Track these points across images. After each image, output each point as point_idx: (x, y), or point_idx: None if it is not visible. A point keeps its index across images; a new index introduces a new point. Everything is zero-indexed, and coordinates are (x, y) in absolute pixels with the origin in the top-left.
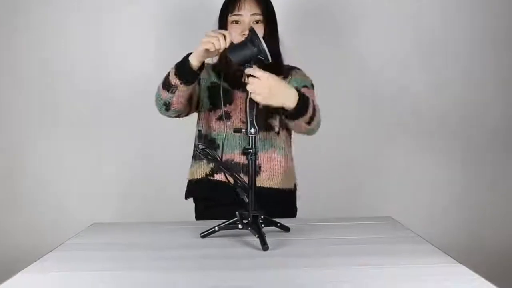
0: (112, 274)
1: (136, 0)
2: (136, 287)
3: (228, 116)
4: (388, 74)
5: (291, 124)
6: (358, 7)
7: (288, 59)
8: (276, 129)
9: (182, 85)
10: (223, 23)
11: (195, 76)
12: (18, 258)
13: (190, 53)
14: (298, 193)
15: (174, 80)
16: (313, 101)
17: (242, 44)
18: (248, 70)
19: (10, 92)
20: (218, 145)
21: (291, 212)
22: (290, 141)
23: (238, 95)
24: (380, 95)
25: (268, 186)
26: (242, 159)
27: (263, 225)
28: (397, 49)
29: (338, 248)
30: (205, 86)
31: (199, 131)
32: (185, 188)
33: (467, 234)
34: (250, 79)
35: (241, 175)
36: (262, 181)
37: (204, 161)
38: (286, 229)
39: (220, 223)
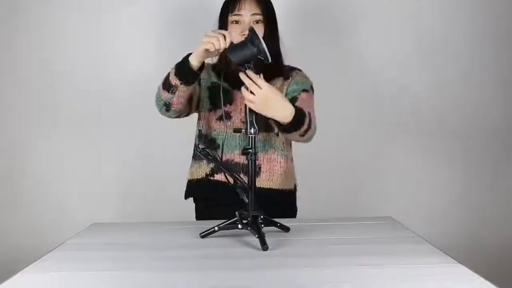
0: (112, 274)
1: (136, 0)
2: (136, 287)
3: (228, 116)
4: (388, 74)
5: (285, 134)
6: (358, 7)
7: (288, 59)
8: (276, 130)
9: (182, 86)
10: (223, 23)
11: (195, 76)
12: (18, 258)
13: (190, 53)
14: (298, 193)
15: (174, 81)
16: (309, 114)
17: (242, 44)
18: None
19: (10, 92)
20: (218, 145)
21: (291, 212)
22: (290, 142)
23: (238, 95)
24: (380, 95)
25: (268, 187)
26: (242, 159)
27: (262, 225)
28: (397, 49)
29: (338, 248)
30: (205, 86)
31: (199, 131)
32: (185, 188)
33: (467, 234)
34: (253, 87)
35: (241, 175)
36: (262, 182)
37: (204, 161)
38: (286, 229)
39: (220, 223)
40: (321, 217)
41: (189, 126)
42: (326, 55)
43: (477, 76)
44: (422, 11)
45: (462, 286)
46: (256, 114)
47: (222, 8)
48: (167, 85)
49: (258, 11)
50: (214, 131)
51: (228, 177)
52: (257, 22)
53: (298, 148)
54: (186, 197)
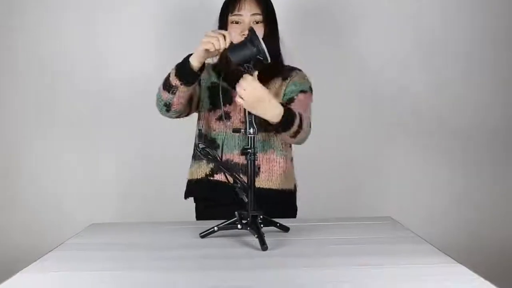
0: (112, 274)
1: (136, 0)
2: (136, 287)
3: (227, 116)
4: (388, 74)
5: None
6: (358, 7)
7: (288, 59)
8: None
9: (182, 86)
10: (223, 23)
11: (195, 77)
12: (17, 258)
13: (191, 54)
14: (298, 193)
15: (174, 81)
16: (300, 115)
17: (241, 44)
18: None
19: (7, 92)
20: (218, 145)
21: (291, 212)
22: None
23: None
24: (380, 95)
25: (268, 187)
26: (241, 159)
27: (262, 225)
28: (397, 49)
29: (338, 248)
30: (205, 86)
31: (199, 130)
32: (185, 188)
33: (467, 234)
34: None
35: (241, 175)
36: (261, 182)
37: (204, 161)
38: (285, 229)
39: (219, 223)
40: (321, 217)
41: (189, 126)
42: (326, 55)
43: (477, 76)
44: (422, 11)
45: (462, 286)
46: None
47: (222, 8)
48: (167, 85)
49: (258, 11)
50: (214, 131)
51: (228, 176)
52: (257, 22)
53: (298, 148)
54: (186, 197)
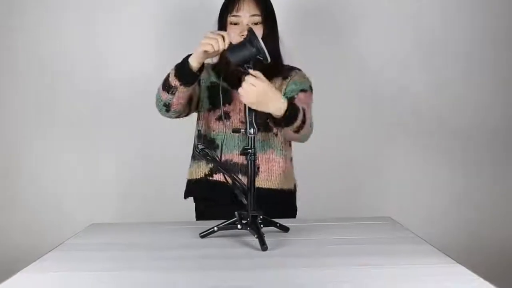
0: (111, 274)
1: (136, 0)
2: (136, 287)
3: (227, 116)
4: (388, 74)
5: (279, 130)
6: (358, 7)
7: (288, 59)
8: (275, 130)
9: (182, 87)
10: (222, 24)
11: (195, 77)
12: (17, 258)
13: (190, 54)
14: (297, 193)
15: (174, 82)
16: (304, 111)
17: (240, 45)
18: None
19: (7, 92)
20: (218, 145)
21: (291, 212)
22: (290, 142)
23: (238, 95)
24: (380, 95)
25: (267, 187)
26: (241, 160)
27: (262, 225)
28: (397, 49)
29: (338, 248)
30: (205, 86)
31: (199, 131)
32: (184, 188)
33: (467, 234)
34: (244, 83)
35: (240, 175)
36: (261, 182)
37: (203, 161)
38: (285, 229)
39: (219, 223)
40: (321, 217)
41: (189, 126)
42: (326, 55)
43: (477, 76)
44: (422, 11)
45: (462, 286)
46: (256, 114)
47: (221, 8)
48: (167, 86)
49: (257, 12)
50: (213, 131)
51: (227, 177)
52: (256, 23)
53: (297, 148)
54: (186, 196)
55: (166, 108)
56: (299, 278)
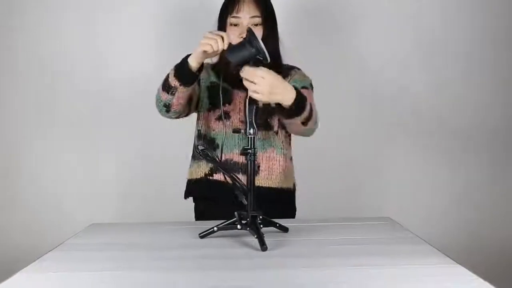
0: (111, 274)
1: (136, 0)
2: (136, 287)
3: (227, 116)
4: (388, 74)
5: (287, 122)
6: (358, 7)
7: (288, 60)
8: (275, 128)
9: (181, 87)
10: (222, 25)
11: (194, 77)
12: (17, 258)
13: (190, 54)
14: (297, 193)
15: (173, 82)
16: (310, 103)
17: (240, 45)
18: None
19: (7, 92)
20: (218, 145)
21: (290, 212)
22: (289, 141)
23: (238, 94)
24: (380, 95)
25: (267, 186)
26: (241, 159)
27: (261, 226)
28: (397, 49)
29: (337, 248)
30: (205, 86)
31: (199, 131)
32: (185, 188)
33: (467, 234)
34: (256, 79)
35: (240, 174)
36: (261, 180)
37: (204, 160)
38: (284, 229)
39: (219, 223)
40: (320, 217)
41: (189, 126)
42: (326, 55)
43: (477, 76)
44: (422, 11)
45: (461, 286)
46: (256, 114)
47: (221, 9)
48: (166, 86)
49: (257, 13)
50: (213, 131)
51: (227, 178)
52: (256, 25)
53: (297, 147)
54: (186, 196)
55: (166, 108)
56: (298, 278)
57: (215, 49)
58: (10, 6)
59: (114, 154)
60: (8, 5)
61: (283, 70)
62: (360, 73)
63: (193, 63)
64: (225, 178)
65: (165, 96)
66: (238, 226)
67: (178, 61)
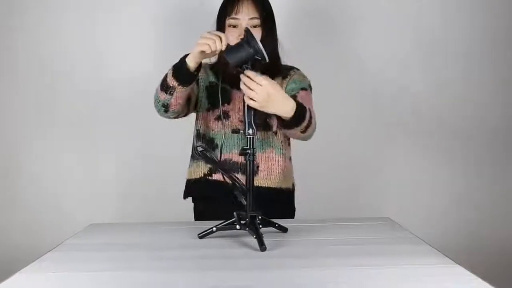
0: (111, 275)
1: (136, 0)
2: (136, 287)
3: (226, 115)
4: (388, 74)
5: (285, 130)
6: (357, 8)
7: (287, 61)
8: (274, 128)
9: (179, 87)
10: (220, 26)
11: (192, 77)
12: (16, 258)
13: (188, 54)
14: (296, 193)
15: (171, 82)
16: (310, 110)
17: (238, 46)
18: (247, 75)
19: (7, 92)
20: (217, 145)
21: (290, 212)
22: (289, 141)
23: (237, 94)
24: (380, 95)
25: (266, 186)
26: (240, 159)
27: (261, 226)
28: (397, 49)
29: (337, 248)
30: (204, 86)
31: (197, 131)
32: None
33: (467, 234)
34: (252, 84)
35: (239, 175)
36: (260, 180)
37: (203, 161)
38: (284, 229)
39: (218, 223)
40: (320, 217)
41: (188, 126)
42: (326, 56)
43: (477, 76)
44: (422, 11)
45: (461, 286)
46: (255, 114)
47: (220, 9)
48: (165, 86)
49: (256, 14)
50: (212, 131)
51: (226, 178)
52: (254, 26)
53: (297, 147)
54: (185, 196)
55: (164, 108)
56: (298, 279)
57: (213, 49)
58: (10, 6)
59: (114, 154)
60: (8, 5)
61: (282, 70)
62: (360, 73)
63: (191, 63)
64: (224, 178)
65: (164, 96)
66: (237, 226)
67: (177, 61)
